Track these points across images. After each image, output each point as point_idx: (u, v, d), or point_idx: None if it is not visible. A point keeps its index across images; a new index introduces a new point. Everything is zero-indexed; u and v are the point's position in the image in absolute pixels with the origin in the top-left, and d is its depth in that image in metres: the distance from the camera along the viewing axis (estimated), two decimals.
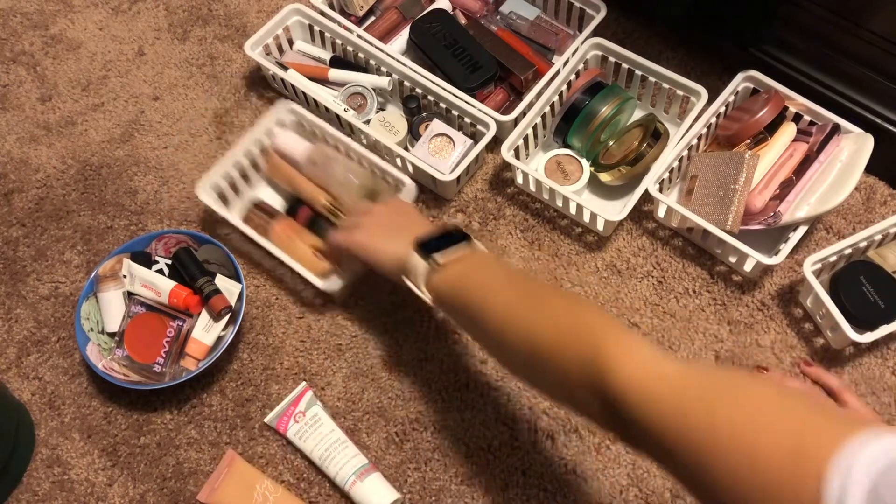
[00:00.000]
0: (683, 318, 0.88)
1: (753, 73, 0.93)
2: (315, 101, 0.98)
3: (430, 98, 0.97)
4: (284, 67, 1.00)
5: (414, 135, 0.97)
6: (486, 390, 0.85)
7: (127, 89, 1.08)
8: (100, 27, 1.13)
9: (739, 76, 0.93)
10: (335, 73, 1.01)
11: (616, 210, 0.91)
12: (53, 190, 1.00)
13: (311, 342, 0.88)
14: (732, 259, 0.89)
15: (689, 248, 0.92)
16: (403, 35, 1.04)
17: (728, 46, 0.99)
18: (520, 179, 0.95)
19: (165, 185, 1.00)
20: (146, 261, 0.89)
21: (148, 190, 0.99)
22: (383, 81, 0.99)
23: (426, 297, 0.71)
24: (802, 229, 0.85)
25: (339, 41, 1.02)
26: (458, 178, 0.93)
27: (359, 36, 1.01)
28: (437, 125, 0.95)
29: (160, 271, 0.88)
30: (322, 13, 1.03)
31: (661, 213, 0.92)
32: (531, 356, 0.60)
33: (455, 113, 0.96)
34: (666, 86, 0.96)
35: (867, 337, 0.79)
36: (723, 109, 0.94)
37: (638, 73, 0.97)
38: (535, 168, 0.95)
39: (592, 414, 0.56)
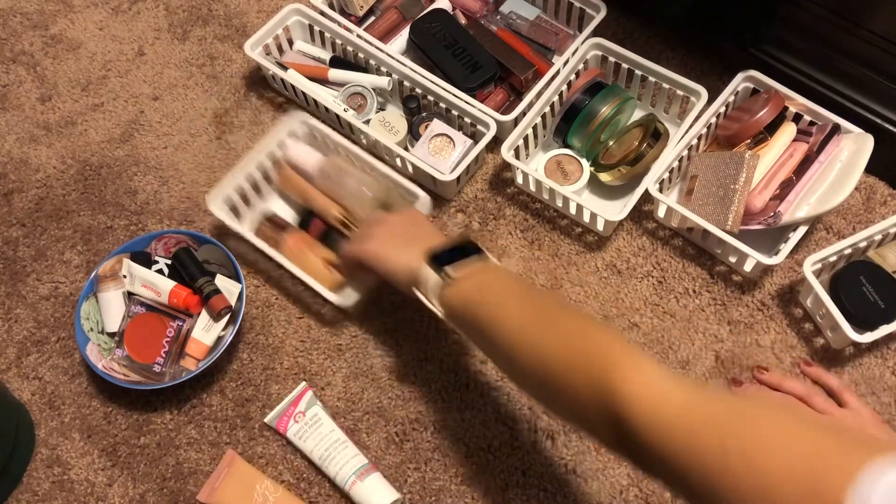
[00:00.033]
0: (683, 318, 0.88)
1: (753, 73, 0.93)
2: (315, 101, 0.98)
3: (430, 98, 0.97)
4: (284, 67, 1.00)
5: (414, 135, 0.97)
6: (486, 390, 0.85)
7: (127, 89, 1.08)
8: (100, 27, 1.13)
9: (739, 76, 0.93)
10: (335, 73, 1.01)
11: (616, 210, 0.91)
12: (53, 190, 1.00)
13: (311, 342, 0.88)
14: (732, 259, 0.89)
15: (689, 248, 0.92)
16: (403, 35, 1.04)
17: (728, 46, 0.99)
18: (520, 179, 0.95)
19: (165, 185, 1.00)
20: (146, 261, 0.89)
21: (148, 190, 0.99)
22: (383, 81, 0.99)
23: (437, 310, 0.70)
24: (802, 229, 0.85)
25: (339, 41, 1.02)
26: (458, 178, 0.93)
27: (359, 36, 1.01)
28: (437, 125, 0.95)
29: (160, 271, 0.88)
30: (322, 13, 1.03)
31: (661, 213, 0.92)
32: (541, 376, 0.60)
33: (455, 113, 0.96)
34: (666, 86, 0.96)
35: (867, 337, 0.79)
36: (723, 109, 0.94)
37: (638, 73, 0.97)
38: (535, 168, 0.95)
39: (603, 437, 0.56)
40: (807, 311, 0.87)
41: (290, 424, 0.82)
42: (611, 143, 0.95)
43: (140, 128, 1.04)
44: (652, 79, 0.96)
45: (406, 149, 0.97)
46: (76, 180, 1.01)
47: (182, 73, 1.08)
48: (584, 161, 0.95)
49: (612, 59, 0.98)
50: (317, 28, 1.03)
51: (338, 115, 0.97)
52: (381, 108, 1.01)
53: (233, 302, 0.85)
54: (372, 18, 1.07)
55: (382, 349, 0.88)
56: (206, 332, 0.85)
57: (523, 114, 0.94)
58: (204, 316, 0.85)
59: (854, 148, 0.85)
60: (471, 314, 0.66)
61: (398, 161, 0.96)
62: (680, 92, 0.95)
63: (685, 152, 0.92)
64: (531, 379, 0.62)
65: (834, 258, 0.85)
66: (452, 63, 0.98)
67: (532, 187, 0.95)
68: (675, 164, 0.91)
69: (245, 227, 0.89)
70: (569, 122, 0.94)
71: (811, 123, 0.91)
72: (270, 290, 0.91)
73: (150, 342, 0.85)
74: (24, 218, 0.98)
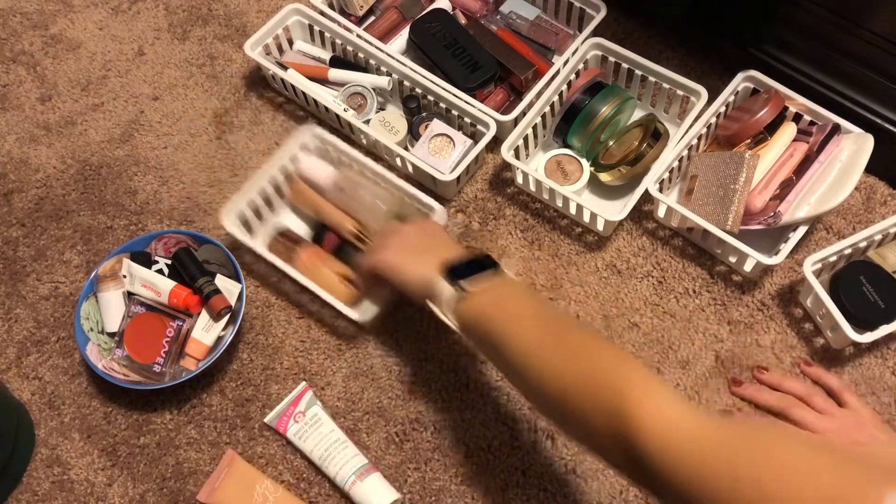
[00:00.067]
0: (683, 318, 0.88)
1: (753, 73, 0.93)
2: (315, 101, 0.98)
3: (430, 98, 0.97)
4: (284, 67, 1.00)
5: (414, 135, 0.97)
6: (486, 390, 0.85)
7: (127, 89, 1.08)
8: (100, 27, 1.13)
9: (739, 76, 0.93)
10: (335, 73, 1.01)
11: (616, 210, 0.91)
12: (53, 190, 1.00)
13: (311, 342, 0.88)
14: (732, 259, 0.89)
15: (689, 248, 0.92)
16: (403, 35, 1.04)
17: (728, 46, 0.99)
18: (520, 179, 0.95)
19: (165, 185, 1.00)
20: (146, 261, 0.89)
21: (148, 190, 0.99)
22: (383, 81, 0.99)
23: (451, 323, 0.69)
24: (802, 229, 0.85)
25: (338, 41, 1.02)
26: (458, 178, 0.93)
27: (359, 36, 1.01)
28: (437, 125, 0.95)
29: (160, 271, 0.88)
30: (322, 13, 1.03)
31: (661, 213, 0.92)
32: (554, 397, 0.59)
33: (455, 113, 0.96)
34: (666, 86, 0.96)
35: (867, 337, 0.79)
36: (723, 109, 0.94)
37: (638, 73, 0.97)
38: (535, 168, 0.95)
39: (614, 460, 0.55)
40: (807, 311, 0.87)
41: (290, 424, 0.82)
42: (611, 143, 0.95)
43: (140, 128, 1.04)
44: (652, 79, 0.96)
45: (406, 149, 0.97)
46: (76, 180, 1.01)
47: (182, 73, 1.08)
48: (584, 161, 0.95)
49: (612, 59, 0.98)
50: (317, 28, 1.03)
51: (338, 115, 0.97)
52: (381, 108, 1.01)
53: (233, 302, 0.85)
54: (372, 18, 1.07)
55: (382, 349, 0.88)
56: (206, 332, 0.85)
57: (523, 114, 0.94)
58: (204, 316, 0.85)
59: (854, 148, 0.85)
60: (484, 329, 0.66)
61: (398, 161, 0.96)
62: (680, 92, 0.95)
63: (685, 152, 0.92)
64: (543, 398, 0.62)
65: (834, 258, 0.85)
66: (452, 63, 0.98)
67: (532, 187, 0.95)
68: (675, 164, 0.91)
69: (258, 243, 0.88)
70: (569, 122, 0.94)
71: (811, 123, 0.91)
72: (270, 290, 0.91)
73: (150, 342, 0.85)
74: (24, 218, 0.98)
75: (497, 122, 0.93)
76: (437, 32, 1.00)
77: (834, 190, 0.84)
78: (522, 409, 0.84)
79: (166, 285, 0.85)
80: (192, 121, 1.04)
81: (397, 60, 0.99)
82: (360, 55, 1.01)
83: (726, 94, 0.93)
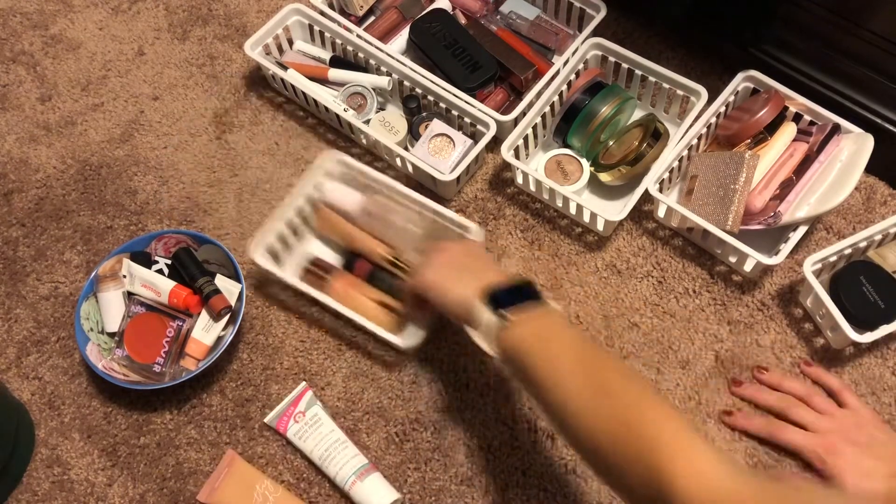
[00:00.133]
0: (683, 318, 0.88)
1: (753, 73, 0.93)
2: (315, 101, 0.98)
3: (430, 98, 0.97)
4: (284, 67, 1.00)
5: (414, 135, 0.97)
6: (486, 390, 0.85)
7: (127, 89, 1.08)
8: (100, 27, 1.13)
9: (739, 76, 0.93)
10: (335, 73, 1.01)
11: (616, 210, 0.91)
12: (53, 190, 1.00)
13: (311, 342, 0.88)
14: (732, 259, 0.89)
15: (689, 248, 0.92)
16: (403, 35, 1.04)
17: (728, 46, 0.99)
18: (520, 179, 0.95)
19: (165, 185, 1.00)
20: (146, 261, 0.89)
21: (148, 190, 0.99)
22: (383, 81, 0.99)
23: (489, 350, 0.67)
24: (802, 229, 0.85)
25: (338, 41, 1.02)
26: (458, 178, 0.93)
27: (359, 36, 1.01)
28: (437, 125, 0.95)
29: (160, 271, 0.88)
30: (322, 13, 1.03)
31: (661, 213, 0.92)
32: (590, 442, 0.59)
33: (455, 113, 0.96)
34: (666, 86, 0.96)
35: (867, 337, 0.79)
36: (723, 109, 0.94)
37: (638, 73, 0.97)
38: (535, 168, 0.95)
39: None
40: (807, 311, 0.87)
41: (290, 424, 0.82)
42: (611, 143, 0.95)
43: (140, 128, 1.04)
44: (652, 79, 0.96)
45: (406, 149, 0.97)
46: (76, 180, 1.01)
47: (182, 73, 1.08)
48: (584, 161, 0.95)
49: (612, 58, 0.98)
50: (317, 28, 1.03)
51: (338, 115, 0.97)
52: (381, 108, 1.01)
53: (233, 302, 0.85)
54: (372, 18, 1.07)
55: (382, 349, 0.88)
56: (206, 332, 0.85)
57: (523, 114, 0.94)
58: (204, 316, 0.85)
59: (854, 148, 0.85)
60: (523, 363, 0.64)
61: (398, 161, 0.96)
62: (680, 92, 0.95)
63: (685, 152, 0.92)
64: (578, 441, 0.61)
65: (834, 258, 0.85)
66: (452, 63, 0.98)
67: (532, 187, 0.95)
68: (675, 164, 0.91)
69: (288, 274, 0.86)
70: (569, 122, 0.94)
71: (811, 123, 0.91)
72: (270, 289, 0.91)
73: (150, 342, 0.85)
74: (24, 218, 0.98)
75: (497, 122, 0.93)
76: (437, 32, 1.00)
77: (834, 190, 0.84)
78: (522, 409, 0.84)
79: (166, 285, 0.85)
80: (192, 121, 1.04)
81: (397, 60, 0.99)
82: (360, 55, 1.01)
83: (726, 94, 0.93)
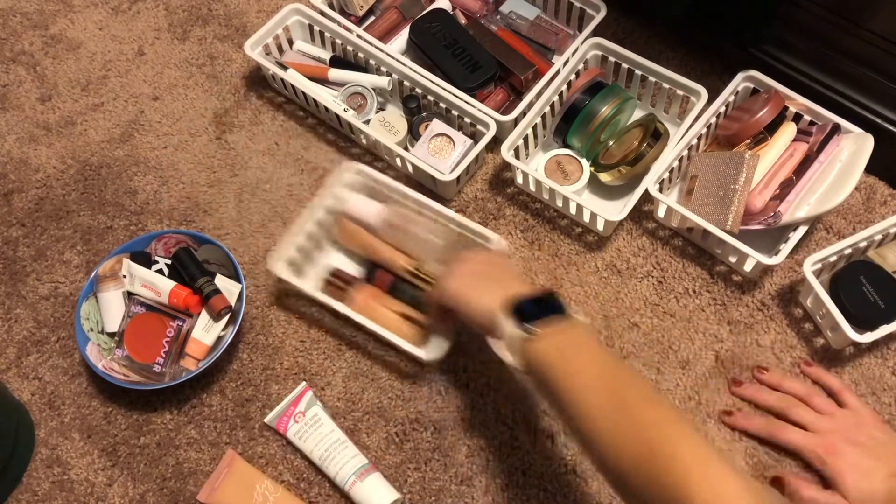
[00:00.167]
0: (683, 318, 0.88)
1: (753, 73, 0.93)
2: (315, 101, 0.98)
3: (430, 98, 0.97)
4: (284, 67, 1.00)
5: (414, 135, 0.97)
6: (486, 390, 0.85)
7: (127, 89, 1.08)
8: (100, 27, 1.13)
9: (739, 76, 0.93)
10: (335, 73, 1.01)
11: (616, 210, 0.91)
12: (53, 190, 1.00)
13: (311, 342, 0.88)
14: (732, 259, 0.89)
15: (689, 248, 0.92)
16: (403, 35, 1.04)
17: (728, 46, 0.99)
18: (520, 179, 0.95)
19: (165, 185, 1.00)
20: (146, 261, 0.89)
21: (148, 190, 0.99)
22: (383, 81, 0.99)
23: (510, 361, 0.67)
24: (802, 229, 0.85)
25: (339, 41, 1.02)
26: (458, 178, 0.93)
27: (359, 36, 1.01)
28: (437, 125, 0.95)
29: (160, 271, 0.88)
30: (322, 13, 1.03)
31: (661, 213, 0.92)
32: (611, 463, 0.58)
33: (455, 113, 0.96)
34: (666, 86, 0.96)
35: (867, 337, 0.79)
36: (723, 109, 0.94)
37: (638, 73, 0.97)
38: (535, 168, 0.95)
39: None
40: (807, 311, 0.87)
41: (290, 424, 0.82)
42: (611, 143, 0.95)
43: (140, 128, 1.04)
44: (652, 79, 0.96)
45: (406, 149, 0.97)
46: (76, 180, 1.01)
47: (182, 73, 1.08)
48: (584, 161, 0.95)
49: (612, 59, 0.98)
50: (317, 28, 1.03)
51: (338, 115, 0.97)
52: (381, 108, 1.01)
53: (233, 302, 0.85)
54: (372, 18, 1.07)
55: (382, 349, 0.87)
56: (206, 332, 0.85)
57: (523, 114, 0.94)
58: (204, 316, 0.85)
59: (854, 148, 0.85)
60: (546, 376, 0.63)
61: (398, 161, 0.96)
62: (680, 92, 0.95)
63: (685, 152, 0.92)
64: (600, 458, 0.60)
65: (834, 258, 0.85)
66: (452, 63, 0.98)
67: (532, 187, 0.95)
68: (675, 164, 0.91)
69: (308, 286, 0.85)
70: (569, 122, 0.94)
71: (811, 123, 0.91)
72: (270, 290, 0.91)
73: (150, 342, 0.85)
74: (24, 218, 0.98)
75: (497, 122, 0.93)
76: (437, 32, 1.00)
77: (834, 190, 0.84)
78: (522, 409, 0.84)
79: (166, 285, 0.85)
80: (192, 121, 1.04)
81: (397, 60, 0.99)
82: (360, 55, 1.01)
83: (726, 94, 0.93)
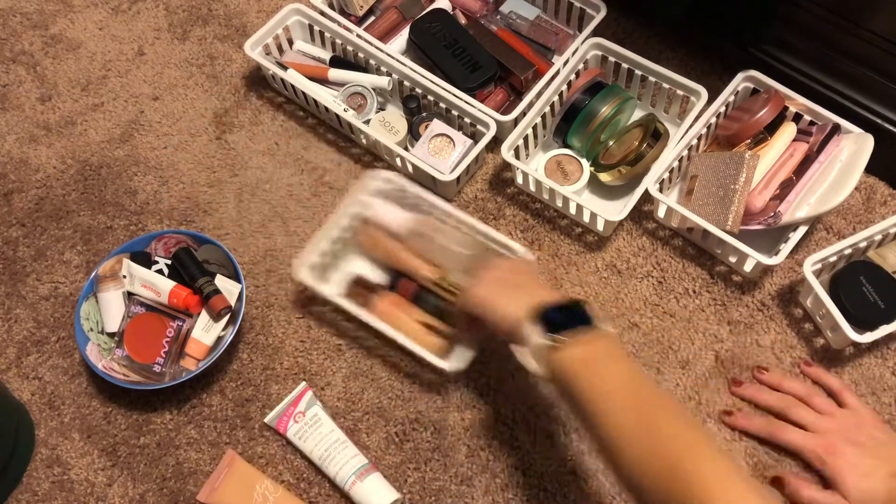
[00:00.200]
0: (683, 318, 0.88)
1: (753, 73, 0.93)
2: (315, 101, 0.98)
3: (430, 98, 0.97)
4: (284, 67, 1.00)
5: (414, 135, 0.97)
6: (486, 391, 0.85)
7: (127, 89, 1.08)
8: (100, 27, 1.13)
9: (739, 76, 0.93)
10: (335, 73, 1.01)
11: (616, 210, 0.91)
12: (53, 190, 1.00)
13: (311, 342, 0.88)
14: (732, 259, 0.89)
15: (689, 248, 0.92)
16: (403, 35, 1.04)
17: (728, 46, 0.99)
18: (520, 179, 0.95)
19: (165, 185, 1.00)
20: (146, 261, 0.89)
21: (148, 190, 0.99)
22: (383, 81, 0.99)
23: (535, 370, 0.66)
24: (802, 229, 0.85)
25: (339, 41, 1.02)
26: (458, 178, 0.93)
27: (359, 36, 1.01)
28: (437, 125, 0.95)
29: (160, 271, 0.88)
30: (322, 13, 1.03)
31: (661, 213, 0.92)
32: (634, 480, 0.58)
33: (455, 113, 0.96)
34: (666, 86, 0.96)
35: (867, 337, 0.79)
36: (723, 109, 0.94)
37: (638, 73, 0.97)
38: (535, 168, 0.95)
39: None
40: (807, 311, 0.87)
41: (290, 424, 0.82)
42: (611, 143, 0.95)
43: (140, 128, 1.04)
44: (652, 79, 0.96)
45: (406, 149, 0.97)
46: (76, 180, 1.01)
47: (182, 73, 1.08)
48: (584, 161, 0.95)
49: (612, 59, 0.97)
50: (317, 28, 1.03)
51: (338, 115, 0.97)
52: (381, 108, 1.01)
53: (233, 302, 0.85)
54: (372, 18, 1.07)
55: (382, 349, 0.88)
56: (206, 332, 0.85)
57: (523, 114, 0.94)
58: (204, 316, 0.85)
59: (854, 148, 0.85)
60: (570, 385, 0.63)
61: (398, 161, 0.96)
62: (680, 92, 0.95)
63: (685, 152, 0.92)
64: (621, 474, 0.60)
65: (834, 258, 0.85)
66: (452, 63, 0.98)
67: (532, 187, 0.95)
68: (675, 164, 0.91)
69: (332, 291, 0.85)
70: (569, 122, 0.94)
71: (811, 123, 0.91)
72: (270, 290, 0.91)
73: (150, 342, 0.85)
74: (24, 218, 0.98)
75: (497, 122, 0.93)
76: (437, 32, 1.00)
77: (834, 190, 0.84)
78: (522, 409, 0.84)
79: (166, 285, 0.85)
80: (192, 121, 1.04)
81: (397, 60, 0.99)
82: (360, 55, 1.01)
83: (726, 94, 0.93)
